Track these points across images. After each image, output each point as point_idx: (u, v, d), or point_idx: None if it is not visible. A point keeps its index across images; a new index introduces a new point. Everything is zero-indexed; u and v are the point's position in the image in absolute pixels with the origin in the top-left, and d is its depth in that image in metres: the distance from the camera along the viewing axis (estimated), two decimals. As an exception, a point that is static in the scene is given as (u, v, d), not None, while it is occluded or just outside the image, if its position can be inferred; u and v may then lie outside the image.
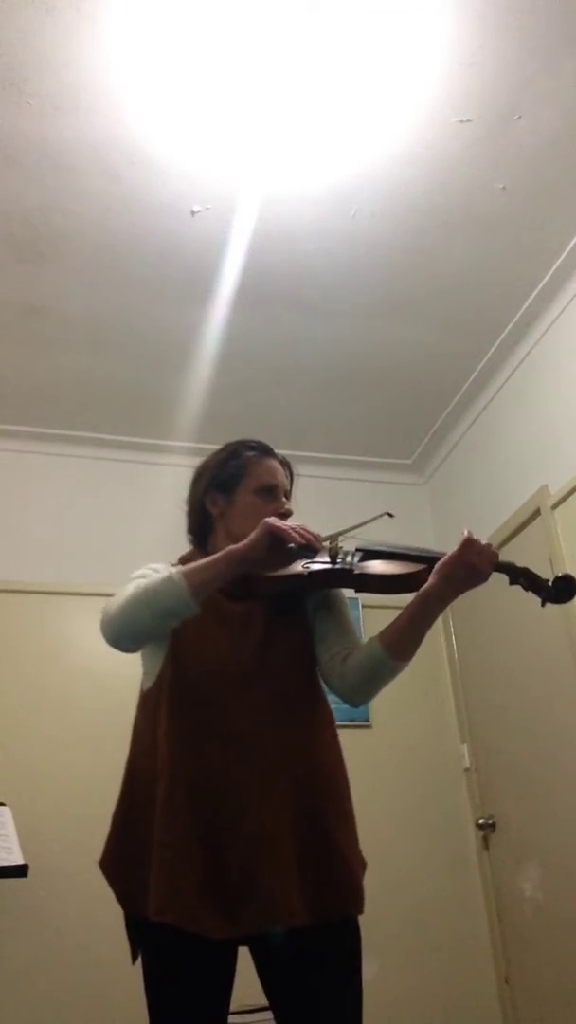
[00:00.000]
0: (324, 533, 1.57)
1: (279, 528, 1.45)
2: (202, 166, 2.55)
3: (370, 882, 1.47)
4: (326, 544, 1.57)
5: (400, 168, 2.60)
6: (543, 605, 1.52)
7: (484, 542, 1.47)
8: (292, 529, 1.46)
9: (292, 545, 1.43)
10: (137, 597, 1.45)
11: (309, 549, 1.46)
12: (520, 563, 1.55)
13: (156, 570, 1.57)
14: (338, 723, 1.62)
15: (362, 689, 1.57)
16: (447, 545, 1.51)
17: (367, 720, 3.54)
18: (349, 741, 1.59)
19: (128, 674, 3.37)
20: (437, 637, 3.87)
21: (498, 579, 1.54)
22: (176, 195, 2.64)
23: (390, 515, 1.66)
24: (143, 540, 3.71)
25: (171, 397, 3.57)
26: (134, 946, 1.49)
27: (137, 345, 3.28)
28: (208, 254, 2.86)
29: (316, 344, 3.34)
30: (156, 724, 1.54)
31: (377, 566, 1.58)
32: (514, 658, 3.32)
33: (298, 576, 1.56)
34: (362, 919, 1.49)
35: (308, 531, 1.48)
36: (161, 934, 1.41)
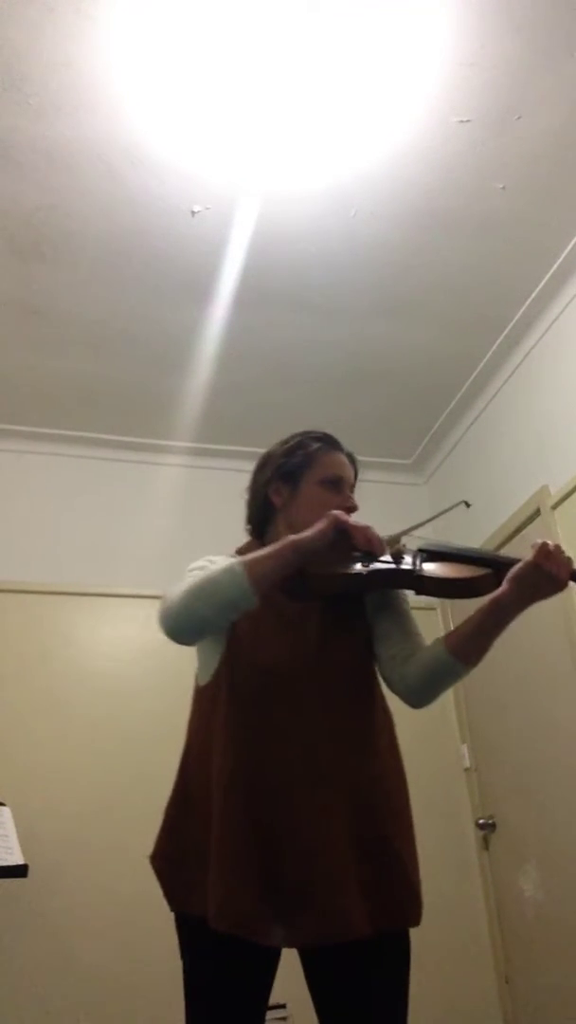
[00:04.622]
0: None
1: (347, 524, 1.41)
2: (202, 166, 2.55)
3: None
4: (389, 547, 1.51)
5: (400, 168, 2.60)
6: None
7: (554, 547, 1.42)
8: (359, 529, 1.42)
9: (355, 545, 1.39)
10: (196, 588, 1.38)
11: (369, 555, 1.39)
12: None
13: (213, 562, 1.51)
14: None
15: (424, 691, 1.51)
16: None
17: (367, 720, 3.52)
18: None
19: (127, 674, 3.40)
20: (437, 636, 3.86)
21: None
22: (176, 195, 2.64)
23: (467, 504, 1.62)
24: (142, 540, 3.72)
25: (171, 397, 3.56)
26: (183, 941, 1.49)
27: (137, 345, 3.28)
28: (208, 254, 2.86)
29: (316, 344, 3.33)
30: (212, 723, 1.51)
31: (439, 569, 1.51)
32: (514, 658, 3.32)
33: (357, 576, 1.48)
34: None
35: (374, 535, 1.43)
36: (211, 934, 1.39)
